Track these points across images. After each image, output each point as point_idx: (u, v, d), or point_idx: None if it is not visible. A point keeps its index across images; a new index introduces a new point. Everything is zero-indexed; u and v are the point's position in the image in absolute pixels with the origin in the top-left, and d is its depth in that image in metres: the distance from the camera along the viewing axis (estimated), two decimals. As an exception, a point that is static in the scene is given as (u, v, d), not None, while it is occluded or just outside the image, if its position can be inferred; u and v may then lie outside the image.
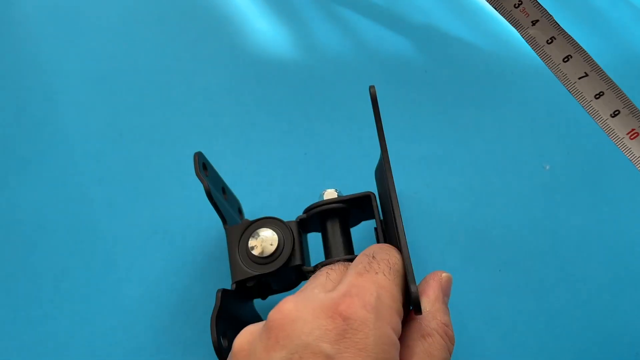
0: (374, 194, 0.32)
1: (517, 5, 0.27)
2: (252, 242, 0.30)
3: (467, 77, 0.49)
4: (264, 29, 0.52)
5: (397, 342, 0.22)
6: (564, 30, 0.27)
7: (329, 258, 0.31)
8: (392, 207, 0.26)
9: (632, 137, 0.25)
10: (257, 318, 0.35)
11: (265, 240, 0.30)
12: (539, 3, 0.27)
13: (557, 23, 0.27)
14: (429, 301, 0.25)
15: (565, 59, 0.26)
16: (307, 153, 0.45)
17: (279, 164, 0.44)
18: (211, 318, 0.27)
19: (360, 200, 0.32)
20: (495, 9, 0.27)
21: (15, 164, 0.44)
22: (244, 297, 0.32)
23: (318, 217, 0.33)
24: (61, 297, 0.38)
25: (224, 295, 0.28)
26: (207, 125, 0.46)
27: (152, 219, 0.42)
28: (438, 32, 0.51)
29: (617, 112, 0.26)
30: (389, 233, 0.30)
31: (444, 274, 0.27)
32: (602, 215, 0.42)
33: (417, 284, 0.23)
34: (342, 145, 0.45)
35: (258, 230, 0.31)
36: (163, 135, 0.45)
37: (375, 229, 0.33)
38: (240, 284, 0.30)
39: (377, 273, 0.23)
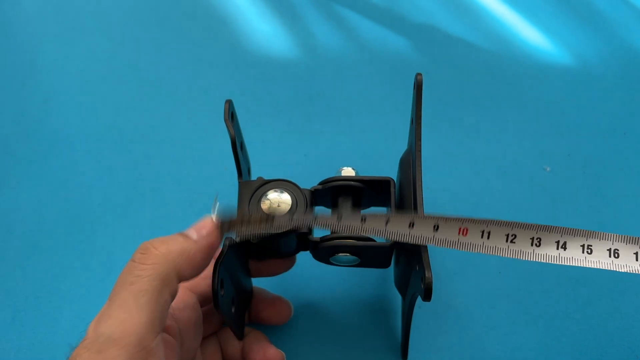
0: (393, 180, 0.32)
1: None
2: (264, 201, 0.30)
3: (468, 78, 0.49)
4: (264, 30, 0.52)
5: None
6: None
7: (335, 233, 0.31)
8: (416, 193, 0.28)
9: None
10: (248, 281, 0.35)
11: (279, 202, 0.29)
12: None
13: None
14: None
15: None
16: (307, 154, 0.45)
17: (279, 164, 0.44)
18: (214, 263, 0.27)
19: (379, 184, 0.32)
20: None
21: (15, 164, 0.44)
22: (243, 253, 0.32)
23: (333, 191, 0.32)
24: (60, 298, 0.38)
25: (230, 245, 0.28)
26: (207, 126, 0.46)
27: (151, 219, 0.41)
28: (439, 32, 0.51)
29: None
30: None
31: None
32: (602, 217, 0.42)
33: None
34: (342, 146, 0.45)
35: (272, 190, 0.30)
36: (163, 135, 0.45)
37: None
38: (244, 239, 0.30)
39: None
